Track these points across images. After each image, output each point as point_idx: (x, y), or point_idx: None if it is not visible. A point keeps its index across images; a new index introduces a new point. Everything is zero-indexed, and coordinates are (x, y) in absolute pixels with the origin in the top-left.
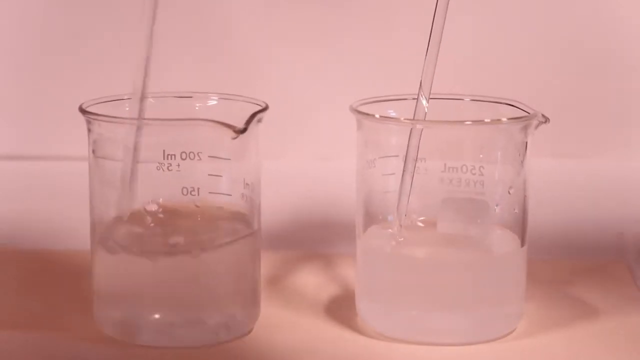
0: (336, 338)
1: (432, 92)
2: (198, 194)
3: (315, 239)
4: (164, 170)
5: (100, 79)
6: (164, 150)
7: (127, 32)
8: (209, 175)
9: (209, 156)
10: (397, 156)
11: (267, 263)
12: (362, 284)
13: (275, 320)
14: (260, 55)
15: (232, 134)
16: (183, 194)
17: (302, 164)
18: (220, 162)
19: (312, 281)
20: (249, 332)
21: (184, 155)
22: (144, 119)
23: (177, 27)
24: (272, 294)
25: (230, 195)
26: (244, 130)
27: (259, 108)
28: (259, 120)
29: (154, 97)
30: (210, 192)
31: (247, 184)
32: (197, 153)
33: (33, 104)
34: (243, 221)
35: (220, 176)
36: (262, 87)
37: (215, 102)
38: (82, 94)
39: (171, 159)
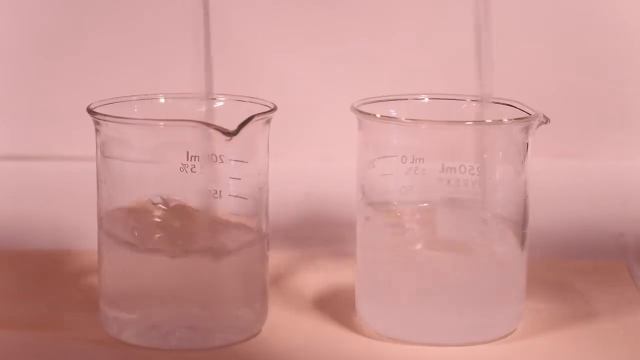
0: (336, 338)
1: (432, 92)
2: (220, 197)
3: (316, 238)
4: (187, 172)
5: (101, 79)
6: (187, 152)
7: (129, 33)
8: (230, 178)
9: (229, 159)
10: (395, 156)
11: None
12: (362, 284)
13: (275, 321)
14: (261, 56)
15: (223, 136)
16: (207, 196)
17: (302, 164)
18: (238, 165)
19: (311, 281)
20: (257, 333)
21: (208, 158)
22: (138, 119)
23: (177, 27)
24: (272, 294)
25: (247, 199)
26: (235, 133)
27: (266, 109)
28: (267, 122)
29: (165, 97)
30: (230, 195)
31: (259, 187)
32: (219, 156)
33: (33, 105)
34: (252, 223)
35: (239, 179)
36: (262, 87)
37: (222, 104)
38: (83, 95)
39: (195, 160)
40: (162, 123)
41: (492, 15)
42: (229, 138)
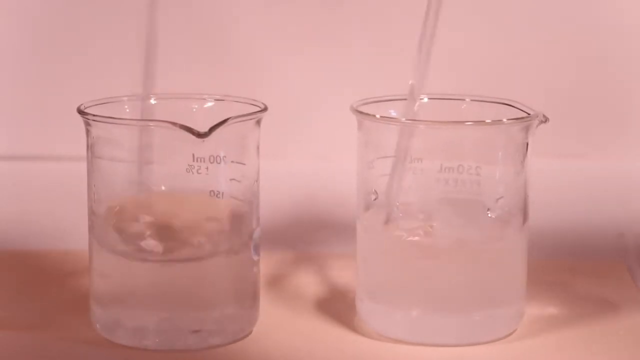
0: (336, 338)
1: (432, 92)
2: (222, 198)
3: (315, 239)
4: (193, 173)
5: (99, 79)
6: (193, 154)
7: (126, 34)
8: (230, 179)
9: (231, 161)
10: (394, 157)
11: (266, 263)
12: (362, 285)
13: (275, 321)
14: (260, 55)
15: (193, 138)
16: (210, 197)
17: (302, 164)
18: (238, 167)
19: (312, 281)
20: (249, 334)
21: (211, 159)
22: (115, 118)
23: (177, 27)
24: (272, 295)
25: (243, 201)
26: (206, 135)
27: (257, 109)
28: (257, 123)
29: (157, 98)
30: (232, 197)
31: (252, 188)
32: (223, 157)
33: (32, 104)
34: (243, 223)
35: (240, 181)
36: (262, 87)
37: (213, 103)
38: (81, 95)
39: (200, 161)
40: (130, 123)
41: (491, 15)
42: (200, 140)
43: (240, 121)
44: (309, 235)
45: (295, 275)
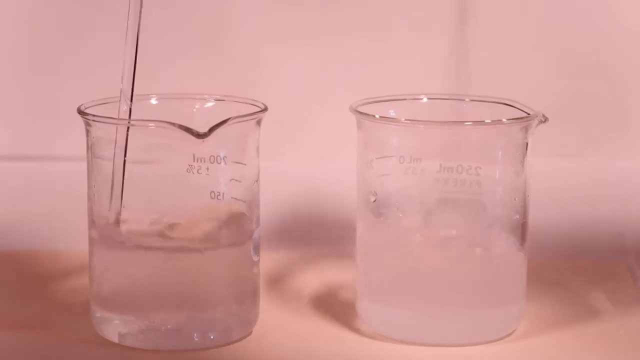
0: (336, 338)
1: (431, 92)
2: (223, 199)
3: (315, 239)
4: (193, 174)
5: (99, 79)
6: (193, 154)
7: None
8: (231, 180)
9: (231, 161)
10: (394, 156)
11: (267, 263)
12: (362, 284)
13: (275, 321)
14: (260, 56)
15: (193, 138)
16: (211, 197)
17: (302, 164)
18: (238, 167)
19: (312, 281)
20: (249, 334)
21: (212, 159)
22: (115, 118)
23: (177, 27)
24: (272, 295)
25: (245, 202)
26: (206, 135)
27: (258, 109)
28: (258, 123)
29: (157, 98)
30: (232, 197)
31: (251, 188)
32: (223, 157)
33: (32, 104)
34: (243, 223)
35: (240, 181)
36: (262, 87)
37: (214, 104)
38: (81, 95)
39: (201, 162)
40: (130, 123)
41: (491, 15)
42: (199, 140)
43: (240, 121)
44: (309, 235)
45: (295, 275)
